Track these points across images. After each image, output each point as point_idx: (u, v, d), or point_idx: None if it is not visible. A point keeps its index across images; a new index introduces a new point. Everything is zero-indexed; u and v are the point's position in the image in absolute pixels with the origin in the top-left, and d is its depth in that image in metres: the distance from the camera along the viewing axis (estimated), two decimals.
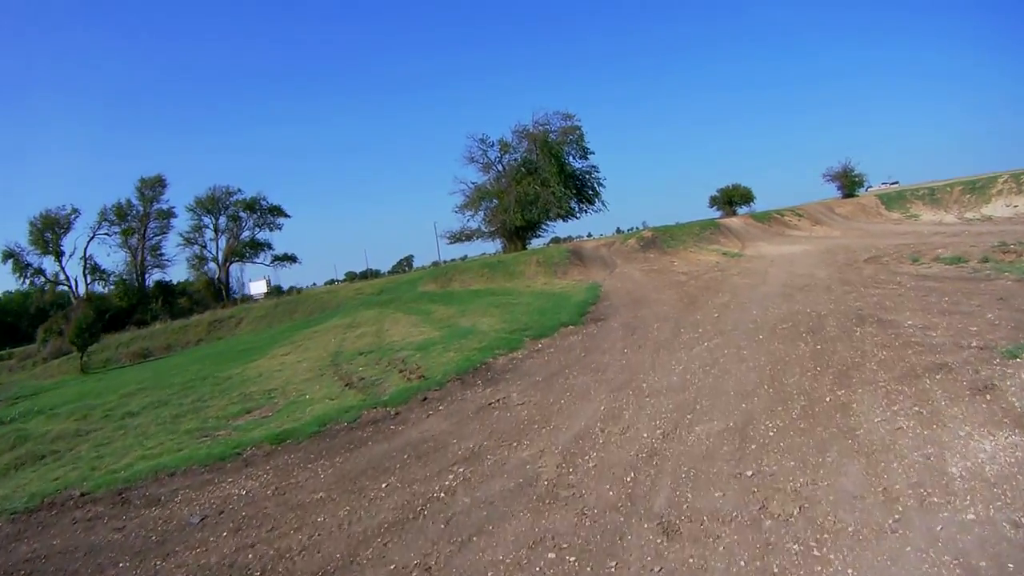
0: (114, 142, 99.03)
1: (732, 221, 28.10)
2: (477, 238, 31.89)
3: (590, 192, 31.45)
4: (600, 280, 16.17)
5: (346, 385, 8.05)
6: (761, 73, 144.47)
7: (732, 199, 39.95)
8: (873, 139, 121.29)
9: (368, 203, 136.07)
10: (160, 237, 36.72)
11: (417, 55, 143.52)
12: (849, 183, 40.05)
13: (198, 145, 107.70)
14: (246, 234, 39.85)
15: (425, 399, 6.62)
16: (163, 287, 36.07)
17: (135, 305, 32.77)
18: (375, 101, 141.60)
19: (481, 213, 31.08)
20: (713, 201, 41.83)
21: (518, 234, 30.68)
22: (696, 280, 13.67)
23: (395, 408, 6.41)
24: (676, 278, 14.48)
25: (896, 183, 48.74)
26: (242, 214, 38.84)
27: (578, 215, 31.75)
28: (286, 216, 41.25)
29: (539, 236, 34.29)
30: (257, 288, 57.20)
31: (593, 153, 31.53)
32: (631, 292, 13.34)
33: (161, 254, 35.93)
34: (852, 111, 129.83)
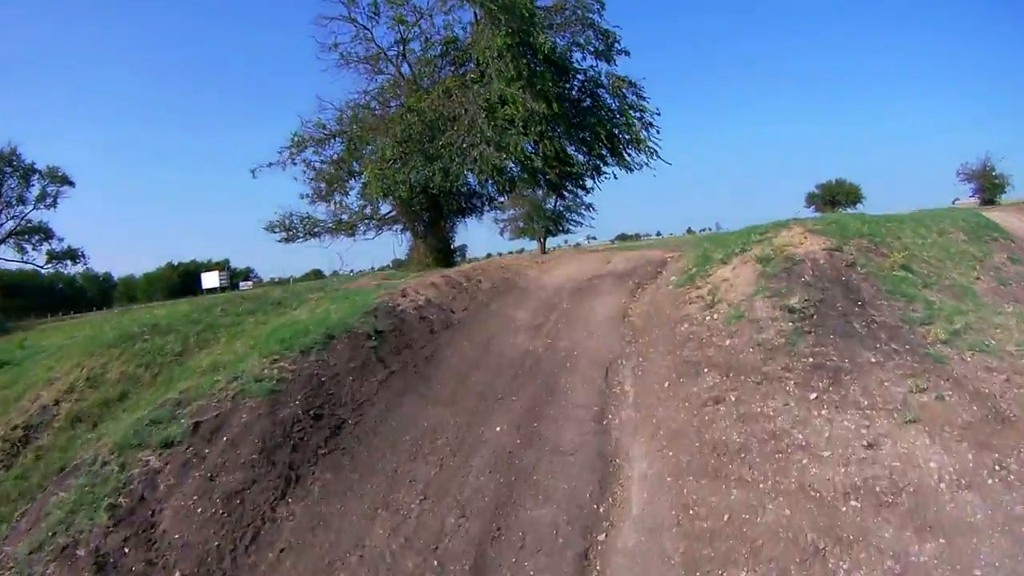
0: None
1: (1006, 218, 10.24)
2: (340, 232, 12.99)
3: (622, 133, 12.20)
4: None
5: None
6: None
7: (835, 197, 33.20)
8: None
9: None
10: None
11: None
12: (991, 185, 32.58)
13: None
14: (9, 217, 22.42)
15: None
16: None
17: None
18: None
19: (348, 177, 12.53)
20: (811, 199, 35.26)
21: (430, 224, 12.54)
22: None
23: None
24: None
25: None
26: None
27: (593, 183, 13.57)
28: (69, 184, 23.82)
29: (570, 232, 21.53)
30: (209, 282, 41.43)
31: (626, 53, 12.48)
32: None
33: None
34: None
